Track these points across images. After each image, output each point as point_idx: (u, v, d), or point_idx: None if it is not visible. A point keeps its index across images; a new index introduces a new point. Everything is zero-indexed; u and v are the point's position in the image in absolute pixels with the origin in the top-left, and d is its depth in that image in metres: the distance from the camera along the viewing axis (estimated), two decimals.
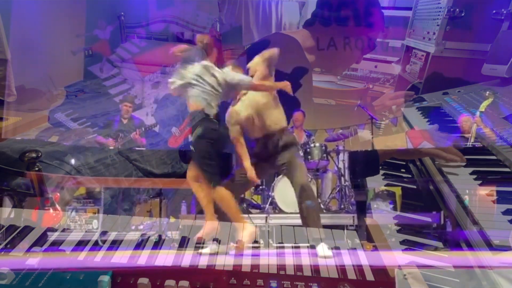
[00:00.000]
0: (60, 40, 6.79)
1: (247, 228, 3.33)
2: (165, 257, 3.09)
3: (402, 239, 3.56)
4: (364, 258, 2.96)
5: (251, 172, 3.47)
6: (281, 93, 3.66)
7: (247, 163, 3.48)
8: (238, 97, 3.61)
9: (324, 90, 7.20)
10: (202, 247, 3.32)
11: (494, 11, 6.25)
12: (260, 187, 5.21)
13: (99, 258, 3.08)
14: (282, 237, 3.45)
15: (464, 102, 5.93)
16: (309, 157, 5.25)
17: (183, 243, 3.46)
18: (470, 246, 3.19)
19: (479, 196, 3.78)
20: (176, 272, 2.77)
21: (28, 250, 3.19)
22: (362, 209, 4.17)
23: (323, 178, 5.39)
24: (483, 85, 6.04)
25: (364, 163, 4.99)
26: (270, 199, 4.95)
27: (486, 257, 2.88)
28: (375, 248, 3.31)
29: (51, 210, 4.13)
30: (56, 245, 3.35)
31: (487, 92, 5.30)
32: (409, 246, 3.41)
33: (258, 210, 5.03)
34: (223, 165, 4.01)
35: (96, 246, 3.40)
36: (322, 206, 5.07)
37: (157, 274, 2.73)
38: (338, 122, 6.65)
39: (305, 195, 3.51)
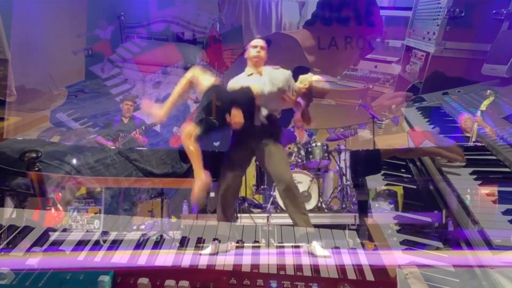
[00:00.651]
0: (61, 40, 6.79)
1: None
2: (165, 257, 3.09)
3: (402, 239, 3.57)
4: (364, 258, 2.96)
5: None
6: None
7: None
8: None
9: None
10: (202, 247, 3.33)
11: (494, 11, 6.24)
12: (262, 186, 5.23)
13: (99, 257, 3.09)
14: (283, 237, 3.45)
15: (464, 102, 5.93)
16: (311, 156, 5.27)
17: (183, 242, 3.47)
18: (470, 246, 3.19)
19: (479, 196, 3.78)
20: (176, 272, 2.78)
21: (29, 249, 3.20)
22: (363, 208, 4.17)
23: (324, 177, 5.41)
24: (483, 85, 6.04)
25: (366, 162, 4.99)
26: (271, 198, 4.95)
27: (486, 257, 2.89)
28: (376, 248, 3.31)
29: (53, 210, 4.14)
30: (57, 245, 3.36)
31: (488, 91, 5.30)
32: (410, 246, 3.41)
33: (259, 210, 5.04)
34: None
35: (97, 245, 3.40)
36: (323, 205, 5.07)
37: (157, 274, 2.74)
38: (339, 121, 6.65)
39: (290, 194, 3.40)
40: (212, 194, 4.62)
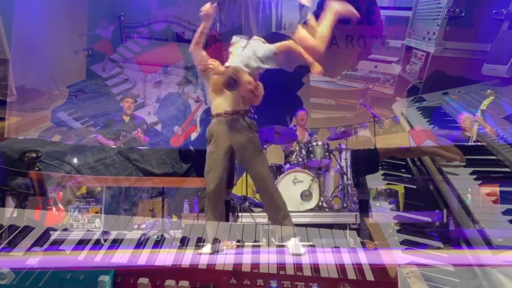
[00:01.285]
0: (61, 40, 6.79)
1: None
2: (166, 256, 3.09)
3: (403, 239, 3.56)
4: (364, 257, 2.96)
5: None
6: (284, 93, 3.66)
7: None
8: None
9: (324, 90, 7.20)
10: (203, 247, 3.33)
11: (494, 11, 6.24)
12: None
13: (100, 257, 3.09)
14: (283, 236, 3.45)
15: (464, 102, 5.93)
16: (312, 155, 5.28)
17: (183, 242, 3.47)
18: (471, 246, 3.19)
19: (479, 196, 3.78)
20: (176, 272, 2.78)
21: (29, 249, 3.20)
22: (364, 207, 4.17)
23: (325, 176, 5.42)
24: (483, 85, 6.04)
25: (364, 161, 4.99)
26: None
27: (486, 256, 2.89)
28: (377, 248, 3.31)
29: (54, 209, 4.14)
30: (57, 244, 3.36)
31: (488, 91, 5.30)
32: (410, 246, 3.41)
33: (260, 209, 5.04)
34: None
35: (97, 245, 3.41)
36: (324, 204, 5.08)
37: (157, 274, 2.74)
38: (340, 121, 6.65)
39: (267, 195, 3.49)
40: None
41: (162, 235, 3.85)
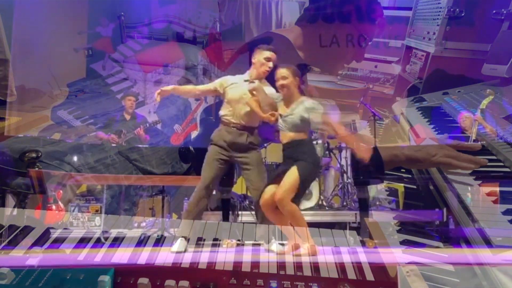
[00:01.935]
0: (62, 39, 6.79)
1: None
2: (166, 255, 3.10)
3: (402, 239, 3.57)
4: (364, 257, 2.96)
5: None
6: None
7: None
8: None
9: (324, 90, 7.19)
10: (203, 245, 3.35)
11: (494, 11, 6.24)
12: None
13: (100, 255, 3.10)
14: (283, 235, 3.45)
15: (464, 102, 5.93)
16: None
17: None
18: (470, 245, 3.19)
19: (479, 196, 3.78)
20: (176, 272, 2.78)
21: (30, 248, 3.21)
22: (364, 206, 4.17)
23: (325, 175, 5.42)
24: (484, 85, 6.03)
25: (367, 171, 4.93)
26: None
27: (486, 255, 2.89)
28: (377, 246, 3.31)
29: (54, 207, 4.15)
30: (58, 242, 3.36)
31: (488, 90, 5.30)
32: (410, 246, 3.42)
33: None
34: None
35: (98, 243, 3.41)
36: (324, 203, 5.09)
37: (157, 274, 2.74)
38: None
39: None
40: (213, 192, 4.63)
41: (161, 235, 3.86)
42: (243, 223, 3.92)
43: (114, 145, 5.46)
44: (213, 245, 3.43)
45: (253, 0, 7.24)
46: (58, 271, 2.74)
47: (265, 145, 5.25)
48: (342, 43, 6.75)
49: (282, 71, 3.40)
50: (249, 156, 3.61)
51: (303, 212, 4.82)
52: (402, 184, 4.61)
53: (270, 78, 3.62)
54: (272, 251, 3.29)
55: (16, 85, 6.16)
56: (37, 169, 4.25)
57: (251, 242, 3.51)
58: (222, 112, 3.67)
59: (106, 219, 4.36)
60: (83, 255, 3.12)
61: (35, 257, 3.00)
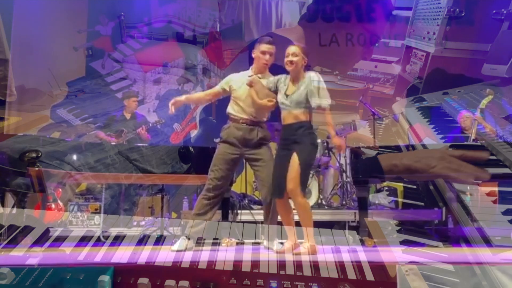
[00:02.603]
0: (61, 39, 6.79)
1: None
2: (166, 255, 3.10)
3: (402, 239, 3.56)
4: (364, 257, 2.96)
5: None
6: None
7: None
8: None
9: None
10: (203, 244, 3.34)
11: (494, 11, 6.24)
12: None
13: (100, 254, 3.10)
14: (282, 235, 3.46)
15: (464, 102, 5.93)
16: None
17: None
18: (470, 244, 3.19)
19: (479, 196, 3.78)
20: (176, 272, 2.78)
21: (30, 247, 3.21)
22: (363, 205, 4.17)
23: (324, 174, 5.42)
24: (483, 85, 6.04)
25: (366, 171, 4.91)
26: None
27: (485, 255, 2.89)
28: (376, 245, 3.31)
29: (53, 206, 4.16)
30: (58, 241, 3.37)
31: (488, 89, 5.30)
32: (409, 245, 3.41)
33: (260, 206, 5.04)
34: None
35: (98, 242, 3.41)
36: (323, 202, 5.09)
37: (157, 274, 2.74)
38: (339, 118, 6.64)
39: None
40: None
41: (161, 235, 3.86)
42: (243, 222, 3.92)
43: (114, 144, 5.46)
44: (213, 245, 3.44)
45: (253, 0, 7.24)
46: (58, 271, 2.74)
47: None
48: (355, 42, 6.79)
49: (292, 48, 3.45)
50: (261, 152, 3.58)
51: None
52: (401, 183, 4.60)
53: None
54: (271, 249, 3.30)
55: (16, 85, 6.17)
56: (37, 169, 4.25)
57: (251, 241, 3.51)
58: (230, 109, 3.65)
59: (105, 218, 4.36)
60: (83, 255, 3.12)
61: (35, 257, 3.00)
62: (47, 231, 3.62)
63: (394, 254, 3.06)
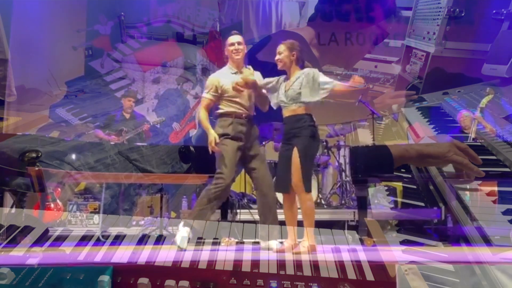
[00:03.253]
0: (61, 38, 6.79)
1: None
2: (166, 254, 3.09)
3: (402, 239, 3.57)
4: (364, 257, 2.96)
5: None
6: None
7: None
8: None
9: None
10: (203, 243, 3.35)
11: (494, 11, 6.25)
12: None
13: (100, 254, 3.10)
14: (282, 234, 3.46)
15: (464, 102, 5.93)
16: None
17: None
18: (469, 243, 3.19)
19: (479, 196, 3.78)
20: (176, 272, 2.78)
21: (30, 247, 3.21)
22: (363, 204, 4.17)
23: (324, 173, 5.42)
24: (483, 85, 6.04)
25: (377, 166, 4.89)
26: None
27: (485, 254, 2.89)
28: (375, 244, 3.31)
29: (52, 206, 4.15)
30: (58, 241, 3.36)
31: (487, 89, 5.30)
32: (408, 244, 3.42)
33: None
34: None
35: (98, 242, 3.41)
36: (323, 201, 5.09)
37: (157, 274, 2.74)
38: (339, 118, 6.64)
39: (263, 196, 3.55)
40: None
41: (161, 236, 3.86)
42: (243, 222, 3.92)
43: (114, 144, 5.46)
44: (213, 244, 3.43)
45: (253, 1, 7.24)
46: (58, 271, 2.74)
47: (264, 143, 5.24)
48: (360, 40, 6.82)
49: (279, 47, 3.50)
50: (257, 147, 3.63)
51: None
52: (401, 183, 4.60)
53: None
54: (271, 248, 3.30)
55: (15, 85, 6.16)
56: (37, 169, 4.25)
57: (251, 240, 3.51)
58: (229, 108, 3.60)
59: (105, 218, 4.36)
60: (83, 254, 3.12)
61: (35, 257, 3.00)
62: (46, 231, 3.62)
63: (394, 254, 3.06)
